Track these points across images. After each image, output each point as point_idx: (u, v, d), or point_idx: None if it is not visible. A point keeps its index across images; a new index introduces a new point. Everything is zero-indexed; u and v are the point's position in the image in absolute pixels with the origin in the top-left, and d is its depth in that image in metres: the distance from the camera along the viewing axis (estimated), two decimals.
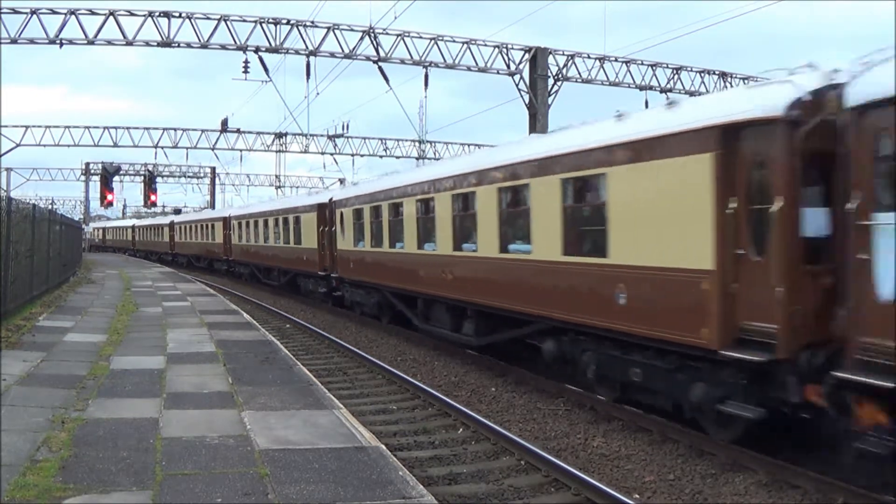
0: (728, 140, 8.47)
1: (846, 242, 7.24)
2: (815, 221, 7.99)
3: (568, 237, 11.33)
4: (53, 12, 25.68)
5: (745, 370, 8.35)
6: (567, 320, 11.40)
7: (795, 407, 7.98)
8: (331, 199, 24.95)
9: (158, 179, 62.88)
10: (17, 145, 44.44)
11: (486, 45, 29.89)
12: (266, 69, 28.57)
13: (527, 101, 29.91)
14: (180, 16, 26.67)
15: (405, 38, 28.77)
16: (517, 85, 30.03)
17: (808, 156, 7.86)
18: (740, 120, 8.36)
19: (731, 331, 8.41)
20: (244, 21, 27.28)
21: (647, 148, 9.64)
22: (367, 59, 28.35)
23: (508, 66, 29.98)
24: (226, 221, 41.80)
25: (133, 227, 74.76)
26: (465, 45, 29.64)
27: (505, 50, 29.99)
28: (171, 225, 56.26)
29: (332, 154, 50.64)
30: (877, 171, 7.01)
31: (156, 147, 49.85)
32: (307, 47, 27.84)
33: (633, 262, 9.90)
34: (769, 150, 8.09)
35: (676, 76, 33.28)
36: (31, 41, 25.84)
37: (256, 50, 27.75)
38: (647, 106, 30.41)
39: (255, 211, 36.95)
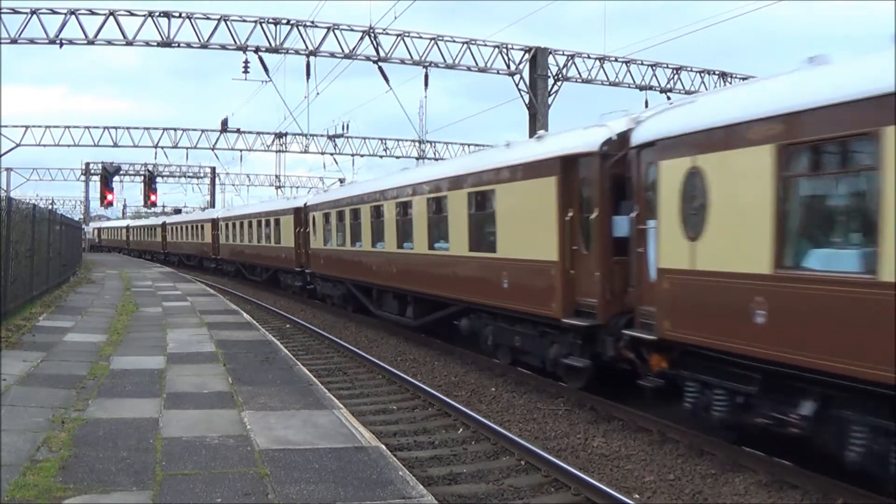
0: (566, 167, 11.65)
1: (632, 241, 10.24)
2: (620, 226, 10.73)
3: (472, 237, 14.74)
4: (53, 12, 25.69)
5: (580, 333, 11.32)
6: (474, 302, 14.72)
7: (613, 359, 10.71)
8: (305, 204, 28.85)
9: (158, 179, 62.93)
10: (17, 145, 44.50)
11: (486, 45, 29.90)
12: (266, 69, 28.61)
13: (527, 101, 29.91)
14: (180, 16, 26.68)
15: (405, 38, 28.78)
16: (517, 85, 30.04)
17: (615, 179, 10.75)
18: (573, 153, 11.56)
19: (571, 305, 11.58)
20: (244, 21, 27.28)
21: (520, 171, 12.98)
22: (367, 59, 28.35)
23: (508, 66, 29.98)
24: (214, 223, 44.87)
25: (128, 228, 77.67)
26: (465, 45, 29.65)
27: (505, 50, 30.00)
28: (164, 225, 59.64)
29: (332, 154, 50.67)
30: (647, 192, 9.83)
31: (156, 147, 49.92)
32: (307, 47, 27.84)
33: (512, 256, 13.26)
34: (590, 175, 11.17)
35: (676, 76, 33.28)
36: (31, 41, 25.86)
37: (256, 50, 27.76)
38: (646, 105, 30.46)
39: (240, 213, 40.69)
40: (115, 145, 48.25)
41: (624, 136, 10.59)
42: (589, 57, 31.65)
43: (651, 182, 9.69)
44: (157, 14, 26.48)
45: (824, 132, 7.17)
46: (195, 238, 49.92)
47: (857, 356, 6.71)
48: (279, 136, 49.11)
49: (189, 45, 26.96)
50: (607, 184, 10.84)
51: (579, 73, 31.47)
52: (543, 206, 12.00)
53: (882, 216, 6.55)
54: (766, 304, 7.76)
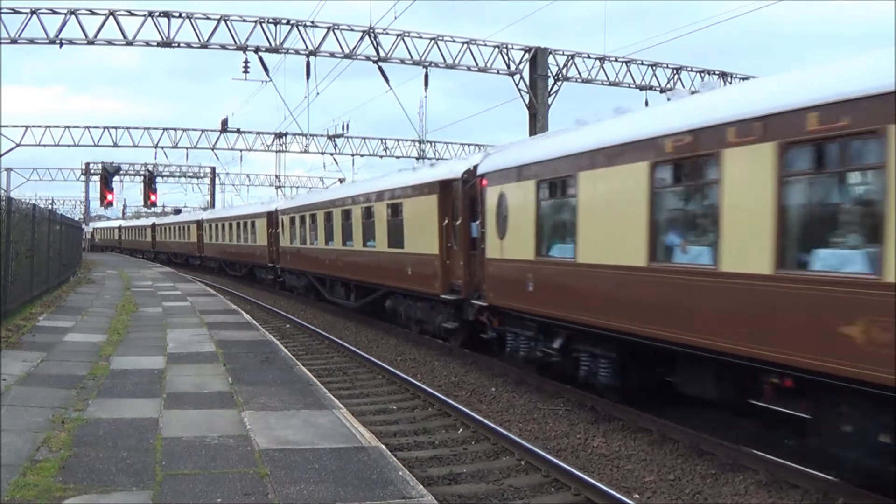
0: (443, 188, 16.43)
1: (478, 240, 14.69)
2: (474, 229, 15.12)
3: (389, 237, 19.61)
4: (53, 12, 25.67)
5: (452, 305, 15.97)
6: (391, 286, 19.63)
7: (473, 322, 15.20)
8: (276, 209, 33.27)
9: (158, 179, 62.86)
10: (17, 145, 44.48)
11: (486, 45, 29.88)
12: (266, 69, 28.58)
13: (527, 101, 29.91)
14: (180, 16, 26.66)
15: (405, 38, 28.77)
16: (517, 85, 30.03)
17: (471, 198, 15.28)
18: (447, 178, 16.39)
19: (447, 285, 16.21)
20: (244, 21, 27.27)
21: (417, 188, 17.87)
22: (367, 59, 28.34)
23: (508, 66, 29.97)
24: (199, 224, 49.16)
25: (120, 228, 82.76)
26: (465, 45, 29.64)
27: (505, 50, 29.99)
28: (153, 226, 64.62)
29: (331, 154, 50.63)
30: (484, 207, 14.34)
31: (156, 147, 49.88)
32: (307, 47, 27.83)
33: (412, 251, 18.03)
34: (456, 194, 15.90)
35: (676, 76, 33.25)
36: (31, 41, 25.84)
37: (256, 50, 27.74)
38: (646, 104, 30.42)
39: (221, 216, 45.28)
40: (115, 145, 48.24)
41: (475, 167, 15.12)
42: (589, 57, 31.63)
43: (484, 200, 14.29)
44: (157, 14, 26.47)
45: (560, 173, 11.69)
46: (182, 238, 54.14)
47: (579, 309, 10.98)
48: (279, 136, 49.06)
49: (189, 45, 26.94)
50: (466, 201, 15.50)
51: (579, 73, 31.45)
52: (429, 215, 16.83)
53: (577, 225, 11.11)
54: (532, 278, 12.30)
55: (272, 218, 33.29)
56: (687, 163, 9.03)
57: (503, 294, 13.38)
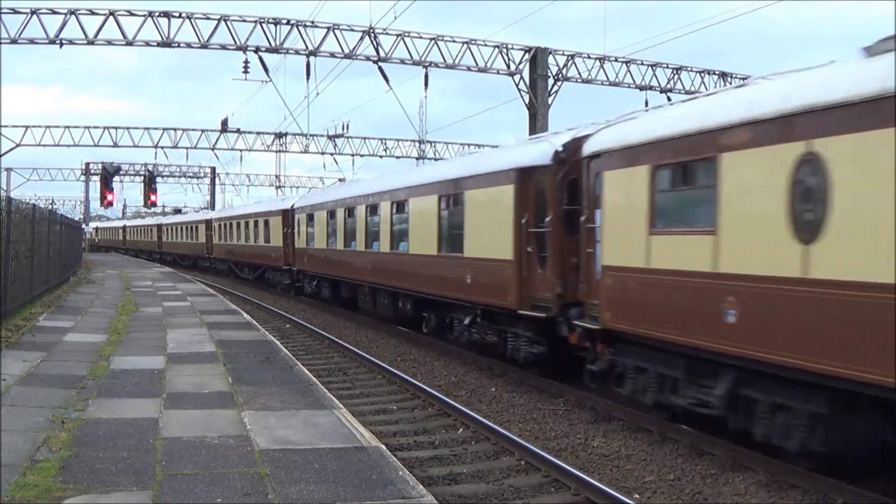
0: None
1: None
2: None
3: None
4: (53, 12, 25.67)
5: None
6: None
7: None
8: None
9: (158, 179, 62.83)
10: (17, 145, 44.46)
11: (486, 45, 29.88)
12: (266, 69, 28.58)
13: (527, 101, 29.91)
14: (180, 16, 26.66)
15: (405, 38, 28.77)
16: (517, 85, 30.03)
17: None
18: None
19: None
20: (244, 21, 27.27)
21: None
22: (367, 59, 28.34)
23: (508, 66, 29.96)
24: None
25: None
26: (465, 45, 29.64)
27: (505, 50, 29.99)
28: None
29: (331, 154, 50.64)
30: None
31: (156, 147, 49.87)
32: (307, 47, 27.83)
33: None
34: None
35: (676, 76, 33.27)
36: (31, 41, 25.85)
37: (256, 50, 27.74)
38: (646, 105, 30.42)
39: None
40: (115, 145, 48.23)
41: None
42: (589, 57, 31.63)
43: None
44: (157, 14, 26.47)
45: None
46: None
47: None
48: (279, 136, 49.06)
49: (189, 45, 26.94)
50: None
51: (579, 73, 31.45)
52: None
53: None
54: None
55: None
56: None
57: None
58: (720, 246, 8.32)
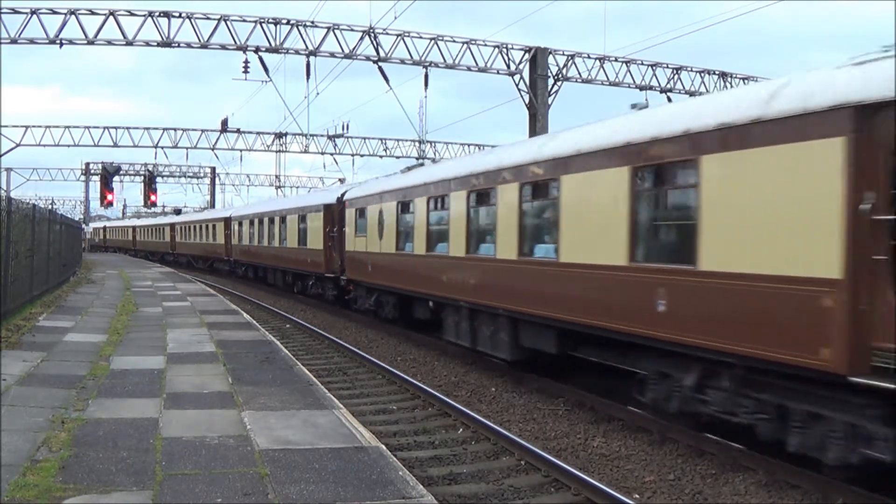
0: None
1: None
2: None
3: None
4: (53, 12, 25.68)
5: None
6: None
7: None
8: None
9: (158, 179, 62.81)
10: (17, 145, 44.46)
11: (486, 45, 29.89)
12: (266, 69, 28.58)
13: (527, 101, 29.91)
14: (180, 16, 26.67)
15: (405, 38, 28.77)
16: (517, 85, 30.03)
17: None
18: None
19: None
20: (244, 21, 27.27)
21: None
22: (367, 59, 28.34)
23: (508, 66, 29.97)
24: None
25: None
26: (465, 45, 29.64)
27: (505, 50, 29.99)
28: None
29: (332, 154, 50.65)
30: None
31: (156, 147, 49.89)
32: (307, 47, 27.83)
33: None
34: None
35: (676, 76, 33.27)
36: (31, 41, 25.85)
37: (256, 50, 27.74)
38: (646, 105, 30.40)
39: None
40: (115, 145, 48.26)
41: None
42: (589, 57, 31.64)
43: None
44: (157, 14, 26.47)
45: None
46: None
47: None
48: (279, 136, 49.07)
49: (189, 45, 26.95)
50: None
51: (579, 73, 31.45)
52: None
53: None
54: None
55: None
56: None
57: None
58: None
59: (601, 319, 10.33)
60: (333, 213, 25.07)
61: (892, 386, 6.45)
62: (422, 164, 23.22)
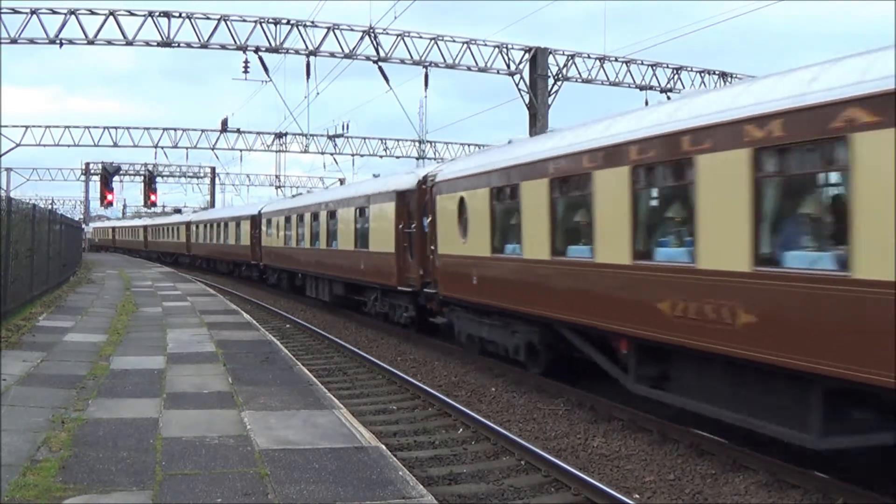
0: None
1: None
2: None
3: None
4: (53, 12, 25.68)
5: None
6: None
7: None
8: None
9: (158, 179, 62.81)
10: (17, 145, 44.48)
11: (486, 45, 29.89)
12: (266, 69, 28.58)
13: (527, 101, 29.91)
14: (180, 16, 26.67)
15: (405, 38, 28.77)
16: (517, 85, 30.03)
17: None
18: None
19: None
20: (244, 21, 27.27)
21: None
22: (367, 59, 28.34)
23: (508, 66, 29.96)
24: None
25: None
26: (465, 45, 29.64)
27: (505, 50, 29.99)
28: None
29: (331, 154, 50.66)
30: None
31: (156, 147, 49.93)
32: (307, 47, 27.83)
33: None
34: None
35: (676, 76, 33.26)
36: (31, 41, 25.85)
37: (256, 50, 27.74)
38: (646, 104, 30.42)
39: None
40: (115, 145, 48.29)
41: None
42: (589, 57, 31.63)
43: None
44: (157, 14, 26.47)
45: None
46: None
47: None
48: (279, 136, 49.08)
49: (189, 45, 26.95)
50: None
51: (579, 73, 31.45)
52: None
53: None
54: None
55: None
56: None
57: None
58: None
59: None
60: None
61: None
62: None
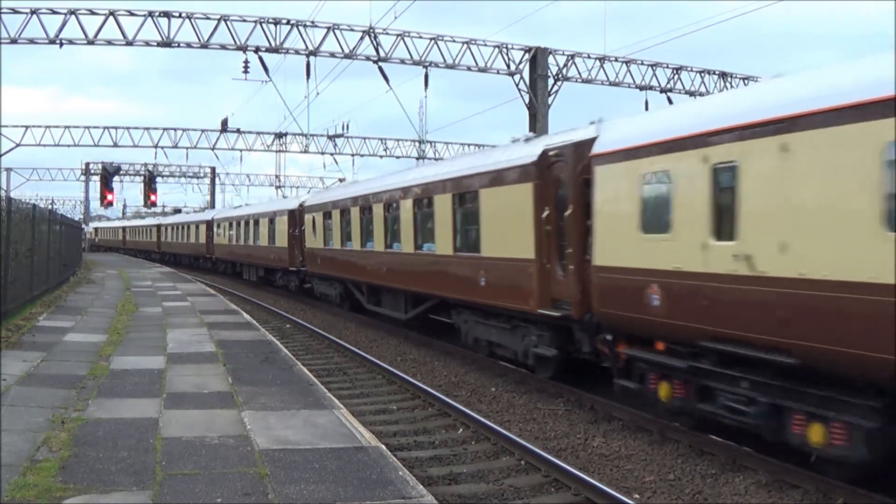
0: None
1: None
2: None
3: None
4: (53, 12, 25.66)
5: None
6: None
7: None
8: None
9: (158, 179, 62.75)
10: (17, 145, 44.46)
11: (486, 45, 29.87)
12: (266, 69, 28.56)
13: (527, 102, 29.90)
14: (180, 16, 26.65)
15: (405, 38, 28.76)
16: (517, 85, 30.01)
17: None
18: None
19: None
20: (244, 21, 27.26)
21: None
22: (367, 59, 28.33)
23: (508, 66, 29.95)
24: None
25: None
26: (465, 45, 29.63)
27: (505, 50, 29.98)
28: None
29: (332, 154, 50.64)
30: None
31: (156, 147, 49.90)
32: (307, 47, 27.82)
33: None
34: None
35: (676, 76, 33.26)
36: (31, 41, 25.83)
37: (256, 50, 27.73)
38: (646, 107, 30.46)
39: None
40: (115, 145, 48.27)
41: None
42: (589, 57, 31.62)
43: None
44: (157, 14, 26.46)
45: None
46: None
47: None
48: (279, 136, 49.07)
49: (189, 45, 26.93)
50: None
51: (579, 73, 31.44)
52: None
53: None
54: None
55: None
56: None
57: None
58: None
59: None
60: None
61: None
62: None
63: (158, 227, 61.41)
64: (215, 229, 44.14)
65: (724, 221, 8.45)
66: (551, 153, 12.19)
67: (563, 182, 11.87)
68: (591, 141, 11.10)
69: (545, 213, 12.14)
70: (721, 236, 8.47)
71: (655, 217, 9.53)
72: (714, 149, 8.54)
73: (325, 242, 25.56)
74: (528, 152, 12.90)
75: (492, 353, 14.64)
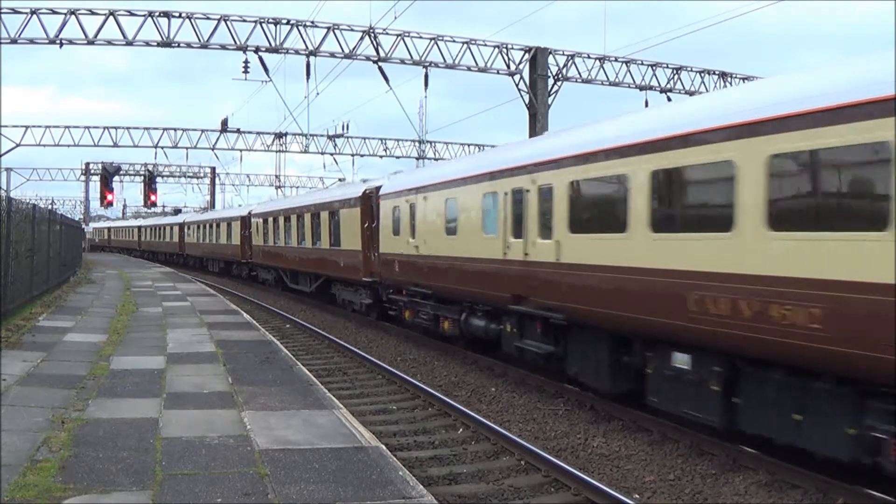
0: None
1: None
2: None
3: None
4: (53, 12, 25.67)
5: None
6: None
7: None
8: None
9: (158, 179, 62.74)
10: (17, 145, 44.45)
11: (486, 45, 29.88)
12: (266, 69, 28.57)
13: (527, 101, 29.90)
14: (180, 16, 26.66)
15: (405, 38, 28.77)
16: (517, 85, 30.02)
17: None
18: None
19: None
20: (244, 21, 27.26)
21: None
22: (367, 59, 28.34)
23: (508, 66, 29.96)
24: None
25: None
26: (465, 45, 29.63)
27: (505, 50, 29.98)
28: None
29: (332, 154, 50.63)
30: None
31: (156, 147, 49.88)
32: (307, 47, 27.83)
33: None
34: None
35: (676, 76, 33.27)
36: (31, 41, 25.84)
37: (256, 50, 27.73)
38: (646, 105, 30.45)
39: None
40: (115, 145, 48.26)
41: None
42: (589, 57, 31.62)
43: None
44: (157, 14, 26.46)
45: None
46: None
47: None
48: (279, 136, 49.06)
49: (189, 45, 26.94)
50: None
51: (579, 73, 31.44)
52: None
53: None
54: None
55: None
56: None
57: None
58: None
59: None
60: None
61: None
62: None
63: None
64: (185, 230, 53.30)
65: (413, 229, 17.51)
66: (367, 192, 21.93)
67: (373, 207, 21.16)
68: (380, 186, 20.68)
69: (366, 224, 21.74)
70: (414, 235, 17.47)
71: (396, 229, 18.63)
72: (410, 196, 17.88)
73: (264, 241, 34.83)
74: (358, 190, 22.89)
75: (346, 305, 24.41)
